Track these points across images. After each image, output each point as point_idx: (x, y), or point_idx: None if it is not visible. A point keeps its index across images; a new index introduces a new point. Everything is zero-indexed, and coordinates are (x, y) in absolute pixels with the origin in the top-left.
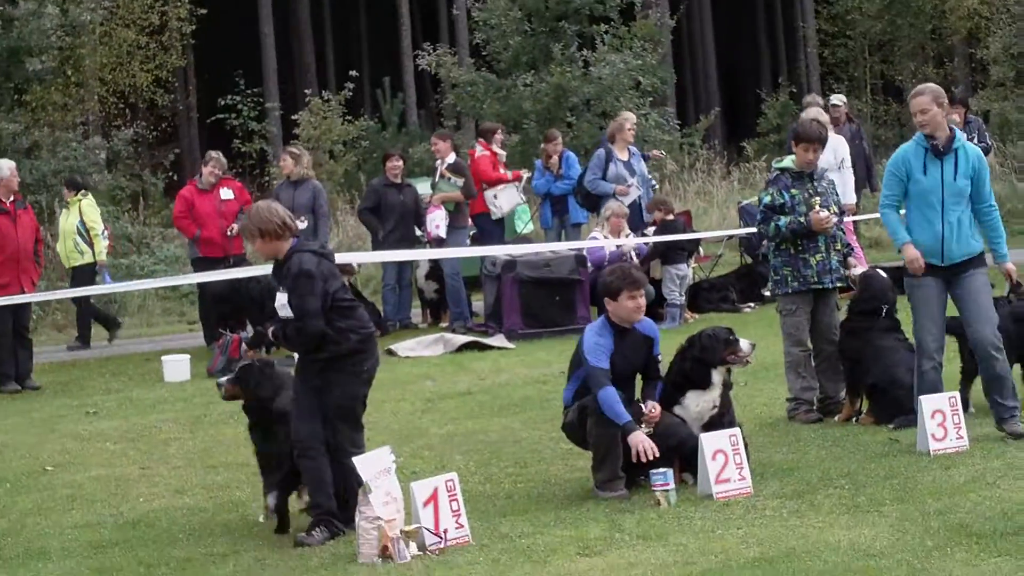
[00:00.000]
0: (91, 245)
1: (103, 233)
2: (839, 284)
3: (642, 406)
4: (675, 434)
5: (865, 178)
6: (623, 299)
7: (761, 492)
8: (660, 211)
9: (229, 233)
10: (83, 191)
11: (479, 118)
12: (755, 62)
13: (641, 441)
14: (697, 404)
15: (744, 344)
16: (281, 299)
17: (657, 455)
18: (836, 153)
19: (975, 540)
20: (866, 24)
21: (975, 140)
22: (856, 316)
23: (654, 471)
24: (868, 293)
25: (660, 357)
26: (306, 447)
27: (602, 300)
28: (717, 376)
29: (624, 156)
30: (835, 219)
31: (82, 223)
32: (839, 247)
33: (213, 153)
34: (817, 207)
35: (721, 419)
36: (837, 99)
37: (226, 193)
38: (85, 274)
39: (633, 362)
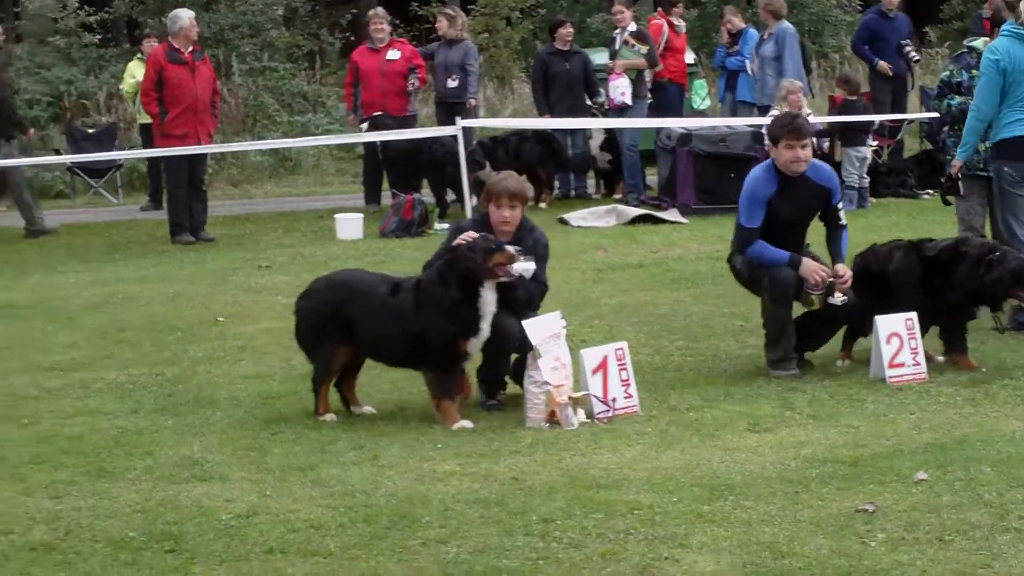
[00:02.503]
0: None
1: None
2: None
3: (830, 277)
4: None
5: None
6: (781, 147)
7: (936, 379)
8: (844, 89)
9: (410, 88)
10: None
11: None
12: None
13: (814, 270)
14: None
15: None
16: (530, 265)
17: (828, 276)
18: None
19: None
20: None
21: None
22: None
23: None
24: None
25: (841, 206)
26: None
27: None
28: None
29: (766, 35)
30: None
31: None
32: None
33: (373, 10)
34: None
35: None
36: None
37: (392, 54)
38: None
39: (804, 210)
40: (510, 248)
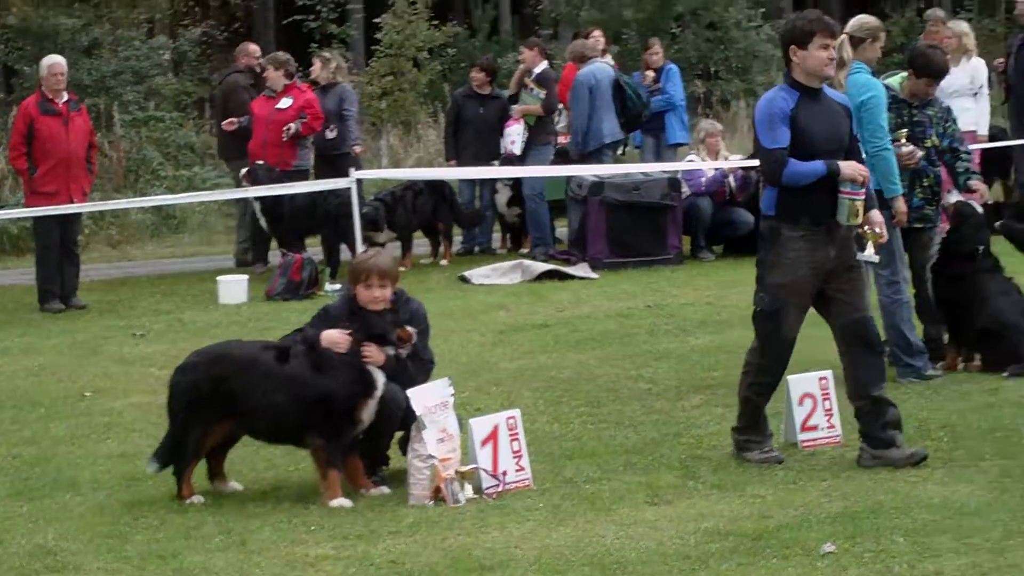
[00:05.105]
0: None
1: None
2: (917, 225)
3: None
4: None
5: None
6: (813, 48)
7: (852, 441)
8: None
9: (284, 135)
10: None
11: (577, 26)
12: None
13: (857, 168)
14: None
15: None
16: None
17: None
18: (974, 79)
19: None
20: None
21: None
22: (951, 258)
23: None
24: (960, 229)
25: (857, 134)
26: None
27: (786, 51)
28: None
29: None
30: (920, 155)
31: None
32: (927, 184)
33: (273, 55)
34: (902, 140)
35: None
36: None
37: (284, 102)
38: None
39: (835, 132)
40: (410, 329)
